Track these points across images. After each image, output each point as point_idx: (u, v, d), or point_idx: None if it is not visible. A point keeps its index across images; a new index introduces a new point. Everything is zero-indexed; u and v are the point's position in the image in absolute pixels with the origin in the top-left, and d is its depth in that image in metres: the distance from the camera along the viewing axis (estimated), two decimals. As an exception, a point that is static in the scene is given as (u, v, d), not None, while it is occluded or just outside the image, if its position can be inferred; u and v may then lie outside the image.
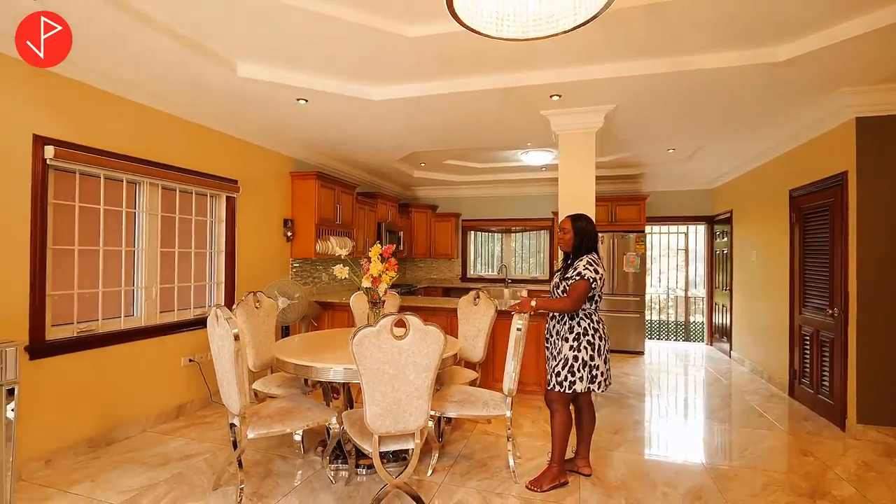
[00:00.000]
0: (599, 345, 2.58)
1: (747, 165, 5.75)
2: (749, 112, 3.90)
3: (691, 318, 8.58)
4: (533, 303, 2.62)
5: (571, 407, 2.75)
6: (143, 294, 3.45)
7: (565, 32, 1.71)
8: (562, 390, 2.57)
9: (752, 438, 3.48)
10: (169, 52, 2.81)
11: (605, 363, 2.61)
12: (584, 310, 2.60)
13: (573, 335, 2.58)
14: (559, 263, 2.92)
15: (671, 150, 5.55)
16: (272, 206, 4.86)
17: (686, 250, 8.64)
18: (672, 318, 8.76)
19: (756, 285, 5.54)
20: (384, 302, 3.28)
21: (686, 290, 8.72)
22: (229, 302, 4.17)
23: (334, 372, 2.48)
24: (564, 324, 2.63)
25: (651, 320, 8.66)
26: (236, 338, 2.25)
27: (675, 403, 4.39)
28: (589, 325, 2.59)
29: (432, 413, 2.74)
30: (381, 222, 6.77)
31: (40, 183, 2.74)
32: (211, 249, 4.14)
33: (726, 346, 6.56)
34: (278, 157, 4.97)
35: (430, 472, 2.78)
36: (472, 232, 8.57)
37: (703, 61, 2.95)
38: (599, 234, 6.82)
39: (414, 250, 8.04)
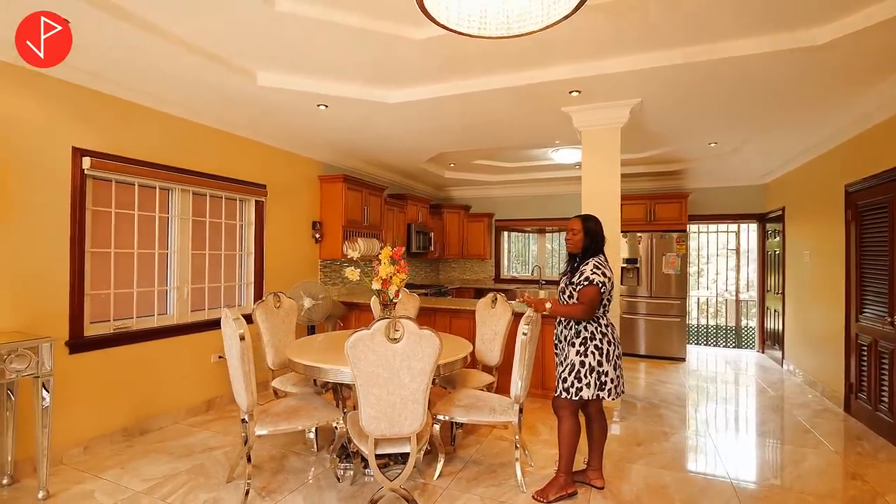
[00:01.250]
0: (608, 350, 2.47)
1: (799, 159, 5.30)
2: (791, 102, 3.59)
3: (743, 323, 8.03)
4: (548, 305, 2.57)
5: (582, 416, 2.64)
6: (175, 294, 3.67)
7: (549, 27, 1.64)
8: (568, 397, 2.47)
9: (794, 457, 3.20)
10: (190, 64, 2.96)
11: (616, 369, 2.49)
12: None
13: (580, 340, 2.49)
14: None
15: (713, 144, 5.21)
16: (301, 209, 5.02)
17: (737, 250, 8.10)
18: (722, 323, 8.24)
19: (809, 289, 5.10)
20: (395, 304, 3.30)
21: (737, 292, 8.17)
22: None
23: (341, 373, 2.51)
24: (571, 328, 2.55)
25: (699, 325, 8.19)
26: (241, 338, 2.34)
27: (712, 415, 4.12)
28: (596, 329, 2.48)
29: (441, 417, 2.73)
30: (412, 223, 6.82)
31: (79, 191, 2.97)
32: (240, 251, 4.34)
33: (778, 353, 6.08)
34: (306, 162, 5.12)
35: (436, 475, 2.77)
36: (506, 232, 8.46)
37: (727, 49, 2.75)
38: (637, 234, 6.54)
39: (446, 251, 8.05)
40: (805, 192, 5.26)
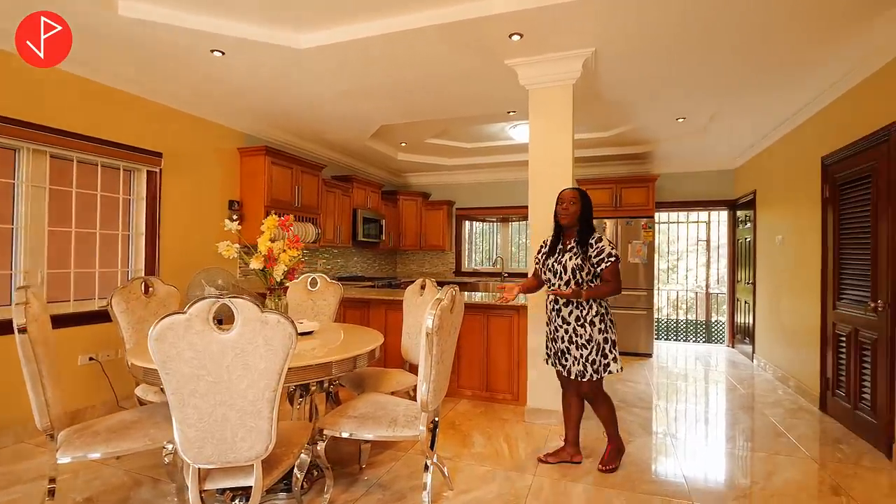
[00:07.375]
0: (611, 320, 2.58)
1: (771, 136, 4.88)
2: (772, 51, 3.05)
3: (713, 318, 7.67)
4: (583, 291, 2.46)
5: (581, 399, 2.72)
6: (22, 279, 2.95)
7: None
8: (599, 377, 2.48)
9: (766, 467, 2.70)
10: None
11: None
12: None
13: (598, 317, 2.48)
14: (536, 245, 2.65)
15: (681, 120, 4.75)
16: (213, 184, 4.32)
17: (707, 241, 7.72)
18: (693, 318, 7.86)
19: (782, 276, 4.67)
20: (286, 288, 2.68)
21: (707, 285, 7.81)
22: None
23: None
24: (590, 309, 2.48)
25: (668, 319, 7.80)
26: (21, 330, 1.68)
27: (677, 417, 3.61)
28: (606, 303, 2.55)
29: (328, 433, 2.11)
30: (358, 209, 6.18)
31: None
32: (127, 231, 3.63)
33: (748, 347, 5.67)
34: (221, 130, 4.43)
35: (324, 506, 2.15)
36: (467, 221, 7.89)
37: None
38: (603, 221, 6.05)
39: (402, 241, 7.43)
40: (777, 172, 4.83)
